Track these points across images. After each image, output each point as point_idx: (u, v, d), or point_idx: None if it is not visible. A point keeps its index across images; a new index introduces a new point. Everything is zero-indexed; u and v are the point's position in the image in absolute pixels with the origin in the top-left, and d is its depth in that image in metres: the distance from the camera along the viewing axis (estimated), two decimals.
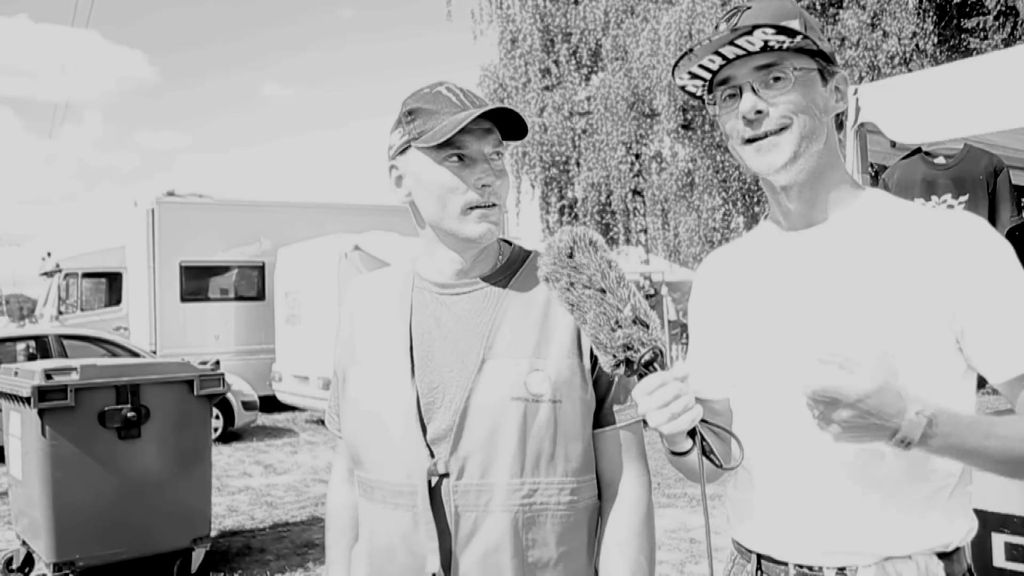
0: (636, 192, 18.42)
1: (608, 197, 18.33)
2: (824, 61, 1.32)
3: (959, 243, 1.25)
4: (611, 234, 19.26)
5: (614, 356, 1.26)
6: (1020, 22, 12.82)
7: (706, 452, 1.29)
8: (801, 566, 1.34)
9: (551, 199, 19.65)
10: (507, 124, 1.45)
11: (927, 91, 3.35)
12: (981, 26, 13.45)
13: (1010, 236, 4.12)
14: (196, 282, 13.29)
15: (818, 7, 14.73)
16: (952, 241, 1.25)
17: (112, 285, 15.77)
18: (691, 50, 1.30)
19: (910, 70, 12.89)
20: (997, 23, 13.22)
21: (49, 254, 16.42)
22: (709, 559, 1.28)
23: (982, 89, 3.13)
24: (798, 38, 1.25)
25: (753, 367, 1.40)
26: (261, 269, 13.69)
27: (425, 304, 1.50)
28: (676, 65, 1.34)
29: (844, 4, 14.63)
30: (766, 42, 1.26)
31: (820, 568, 1.32)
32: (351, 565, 1.59)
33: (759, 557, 1.40)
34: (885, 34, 13.88)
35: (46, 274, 16.40)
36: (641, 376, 1.25)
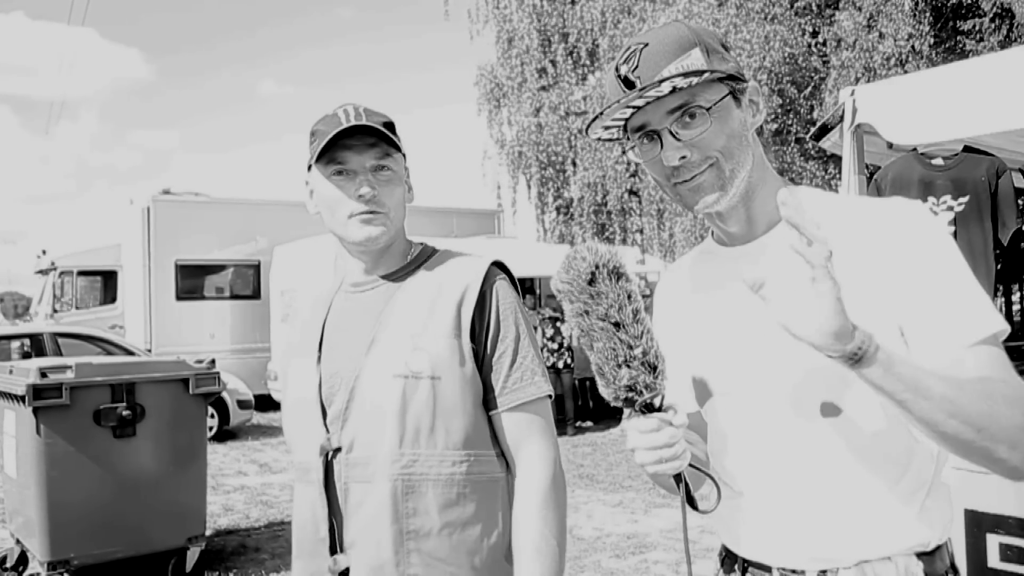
0: (632, 192, 18.43)
1: (604, 197, 18.33)
2: (733, 81, 1.30)
3: (889, 231, 1.25)
4: (607, 234, 19.27)
5: (615, 393, 1.23)
6: (1016, 24, 12.85)
7: (689, 499, 1.30)
8: (784, 570, 1.35)
9: (547, 199, 19.65)
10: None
11: (923, 93, 3.36)
12: (977, 28, 13.49)
13: (1014, 239, 4.13)
14: (192, 280, 13.27)
15: (814, 8, 14.75)
16: (882, 230, 1.26)
17: (107, 283, 15.74)
18: (601, 114, 1.28)
19: (906, 72, 12.91)
20: (993, 25, 13.25)
21: (44, 252, 16.38)
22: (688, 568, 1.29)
23: (978, 91, 3.14)
24: (705, 75, 1.24)
25: (719, 382, 1.42)
26: (257, 268, 13.67)
27: (339, 302, 1.67)
28: (588, 127, 1.33)
29: (840, 5, 14.65)
30: (674, 86, 1.24)
31: (803, 572, 1.33)
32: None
33: (744, 561, 1.42)
34: (881, 35, 13.90)
35: (41, 272, 16.36)
36: (640, 415, 1.24)
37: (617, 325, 1.22)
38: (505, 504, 1.56)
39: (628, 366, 1.21)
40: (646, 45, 1.28)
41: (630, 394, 1.21)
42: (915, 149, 4.15)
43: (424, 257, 1.68)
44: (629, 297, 1.23)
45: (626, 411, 1.28)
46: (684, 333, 1.50)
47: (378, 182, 1.57)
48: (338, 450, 1.52)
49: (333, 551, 1.51)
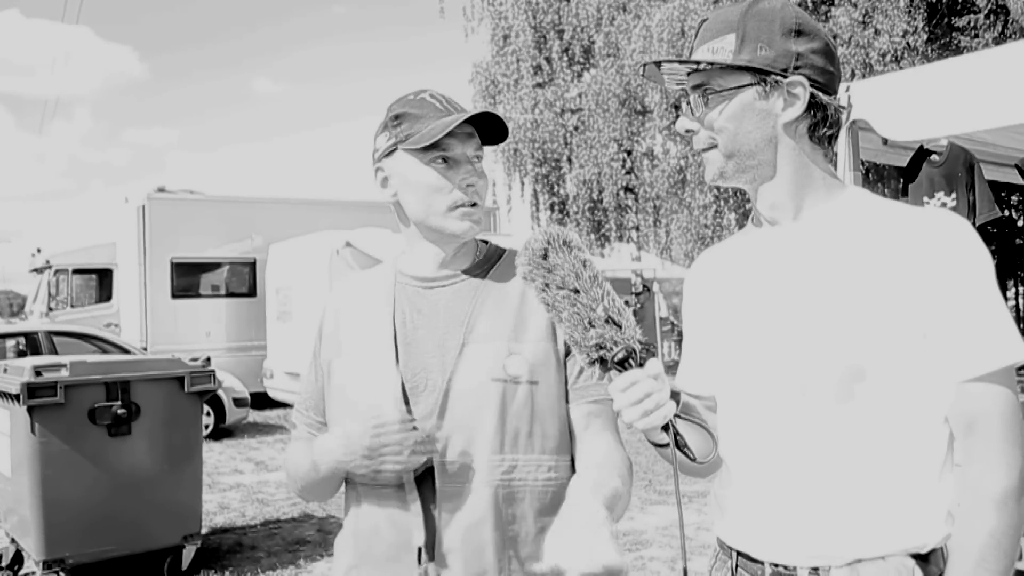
0: (628, 189, 18.43)
1: (600, 194, 18.33)
2: (764, 72, 1.31)
3: (929, 243, 1.26)
4: (603, 231, 19.28)
5: (588, 354, 1.29)
6: (1010, 20, 12.88)
7: (680, 447, 1.32)
8: (776, 565, 1.35)
9: (542, 196, 19.65)
10: (487, 129, 1.56)
11: (918, 89, 3.37)
12: (972, 24, 13.52)
13: (1010, 236, 4.17)
14: (187, 278, 13.25)
15: (810, 4, 14.75)
16: (923, 241, 1.26)
17: (102, 281, 15.71)
18: (644, 67, 1.41)
19: (901, 68, 12.92)
20: (988, 22, 13.28)
21: (39, 250, 16.34)
22: (683, 553, 1.29)
23: (973, 87, 3.14)
24: (726, 57, 1.31)
25: (733, 365, 1.42)
26: (252, 265, 13.65)
27: (407, 297, 1.59)
28: (644, 67, 1.43)
29: (836, 2, 14.66)
30: (691, 68, 1.35)
31: (794, 568, 1.32)
32: (335, 554, 1.63)
33: (738, 554, 1.42)
34: (877, 32, 13.92)
35: (36, 270, 16.32)
36: (617, 373, 1.28)
37: (576, 291, 1.29)
38: None
39: (593, 326, 1.28)
40: (706, 20, 1.39)
41: (601, 352, 1.28)
42: (921, 146, 4.17)
43: (496, 256, 1.63)
44: (584, 264, 1.31)
45: (607, 378, 1.32)
46: (709, 316, 1.50)
47: (476, 173, 1.54)
48: None
49: (419, 558, 1.44)
